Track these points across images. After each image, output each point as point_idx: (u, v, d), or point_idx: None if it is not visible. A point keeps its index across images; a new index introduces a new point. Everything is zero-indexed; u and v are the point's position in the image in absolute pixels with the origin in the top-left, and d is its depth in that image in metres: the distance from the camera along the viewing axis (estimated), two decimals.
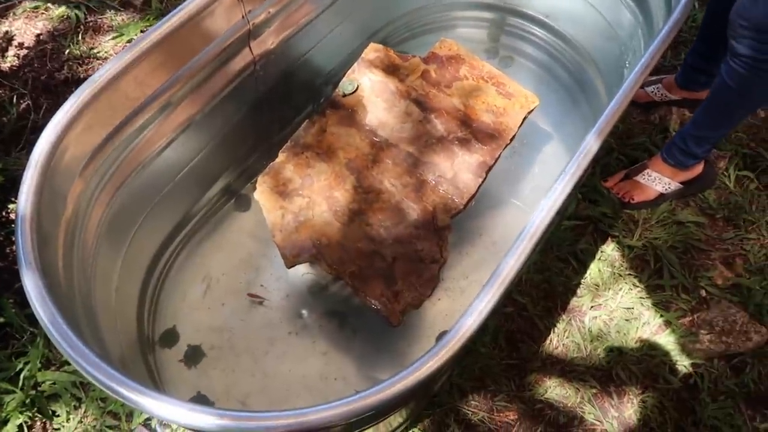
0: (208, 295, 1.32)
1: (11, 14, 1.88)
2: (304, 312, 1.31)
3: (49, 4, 1.89)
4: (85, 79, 0.91)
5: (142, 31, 1.85)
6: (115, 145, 1.00)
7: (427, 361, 0.69)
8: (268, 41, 1.22)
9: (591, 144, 0.87)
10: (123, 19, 1.89)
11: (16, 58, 1.78)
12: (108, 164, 1.00)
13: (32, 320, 1.32)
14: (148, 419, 1.20)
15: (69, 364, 1.27)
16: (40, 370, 1.27)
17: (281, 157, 1.24)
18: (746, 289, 1.43)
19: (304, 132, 1.27)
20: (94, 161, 0.96)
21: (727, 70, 1.19)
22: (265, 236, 1.36)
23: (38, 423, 1.25)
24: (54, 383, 1.26)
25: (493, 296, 0.76)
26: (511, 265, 0.76)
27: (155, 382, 1.17)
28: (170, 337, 1.27)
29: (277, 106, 1.38)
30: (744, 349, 1.34)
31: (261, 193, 1.21)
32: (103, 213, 1.01)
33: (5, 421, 1.21)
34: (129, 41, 1.83)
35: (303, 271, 1.36)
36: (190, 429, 0.69)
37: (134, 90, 0.99)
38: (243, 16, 1.11)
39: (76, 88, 0.90)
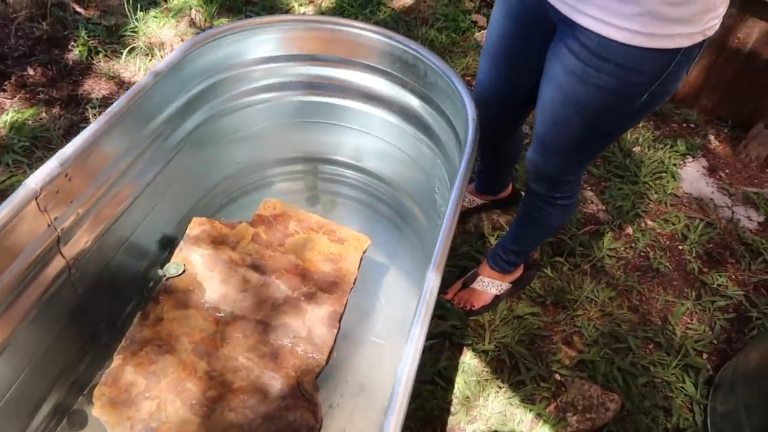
0: None
1: None
2: None
3: None
4: None
5: None
6: None
7: None
8: (81, 241, 1.13)
9: (432, 281, 0.92)
10: None
11: None
12: None
13: None
14: None
15: None
16: None
17: (117, 360, 1.13)
18: (590, 362, 1.56)
19: (138, 326, 1.18)
20: None
21: (526, 203, 1.40)
22: None
23: None
24: None
25: None
26: (394, 424, 0.75)
27: None
28: None
29: (102, 303, 1.27)
30: (606, 420, 1.45)
31: (101, 408, 1.07)
32: None
33: None
34: None
35: None
36: None
37: None
38: (49, 225, 1.03)
39: None
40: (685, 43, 0.94)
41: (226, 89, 1.43)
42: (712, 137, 2.32)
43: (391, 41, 1.34)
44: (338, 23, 1.37)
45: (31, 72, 2.14)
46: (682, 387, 1.55)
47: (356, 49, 1.40)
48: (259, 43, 1.39)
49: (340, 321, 1.23)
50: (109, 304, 1.30)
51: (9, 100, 2.05)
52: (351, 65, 1.44)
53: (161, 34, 2.38)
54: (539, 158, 1.24)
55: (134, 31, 2.35)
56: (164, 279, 1.23)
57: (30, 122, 1.96)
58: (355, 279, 1.30)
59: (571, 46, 1.01)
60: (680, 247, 1.91)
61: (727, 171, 2.20)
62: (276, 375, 1.13)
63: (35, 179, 0.96)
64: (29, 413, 1.17)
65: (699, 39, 0.95)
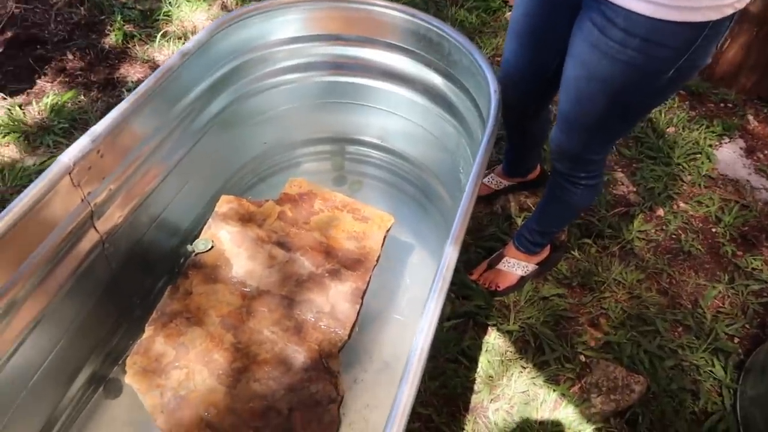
0: None
1: None
2: None
3: None
4: None
5: None
6: None
7: None
8: (114, 216, 1.18)
9: (450, 254, 0.93)
10: None
11: None
12: None
13: None
14: None
15: None
16: None
17: (149, 331, 1.17)
18: (616, 344, 1.55)
19: (168, 299, 1.22)
20: None
21: (551, 183, 1.39)
22: (145, 420, 1.24)
23: None
24: None
25: (398, 428, 0.76)
26: (407, 394, 0.76)
27: None
28: None
29: (134, 277, 1.32)
30: (631, 401, 1.43)
31: (133, 376, 1.12)
32: None
33: None
34: None
35: None
36: None
37: None
38: (83, 200, 1.07)
39: None
40: (714, 16, 0.91)
41: (251, 70, 1.45)
42: (750, 117, 2.24)
43: (415, 19, 1.34)
44: (362, 2, 1.38)
45: (69, 56, 2.21)
46: (711, 371, 1.53)
47: (380, 28, 1.40)
48: (284, 23, 1.41)
49: (362, 297, 1.25)
50: (142, 279, 1.35)
51: (49, 84, 2.12)
52: (375, 44, 1.45)
53: (194, 18, 2.42)
54: (563, 136, 1.23)
55: (167, 16, 2.40)
56: (193, 254, 1.27)
57: (69, 105, 2.03)
58: (378, 257, 1.32)
59: (597, 21, 0.99)
60: (713, 230, 1.86)
61: (766, 152, 2.13)
62: (299, 348, 1.16)
63: (68, 155, 1.00)
64: (67, 381, 1.23)
65: (729, 12, 0.92)
